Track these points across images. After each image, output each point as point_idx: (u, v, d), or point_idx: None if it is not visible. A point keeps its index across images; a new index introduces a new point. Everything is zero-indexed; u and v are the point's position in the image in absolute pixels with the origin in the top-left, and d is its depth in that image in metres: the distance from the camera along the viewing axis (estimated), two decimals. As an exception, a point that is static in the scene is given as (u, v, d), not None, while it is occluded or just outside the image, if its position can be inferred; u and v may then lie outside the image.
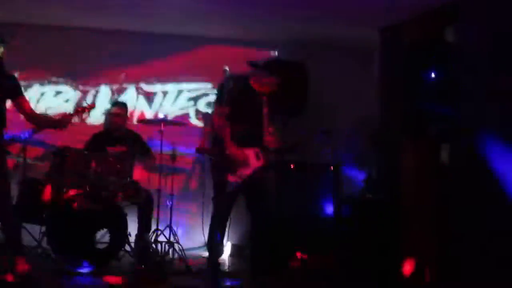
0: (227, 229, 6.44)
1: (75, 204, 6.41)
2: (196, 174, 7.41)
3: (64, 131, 5.99)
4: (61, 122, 5.90)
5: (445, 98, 5.99)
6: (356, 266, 6.20)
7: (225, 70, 6.66)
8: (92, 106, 6.32)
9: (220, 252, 6.19)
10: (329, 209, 6.57)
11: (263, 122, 5.96)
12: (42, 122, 5.93)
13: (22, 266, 5.63)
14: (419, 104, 6.18)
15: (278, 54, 8.48)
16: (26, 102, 5.82)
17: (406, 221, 6.28)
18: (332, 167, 6.83)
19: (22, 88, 5.90)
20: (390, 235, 6.23)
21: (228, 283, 6.10)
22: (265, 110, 5.98)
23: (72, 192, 6.59)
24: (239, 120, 5.88)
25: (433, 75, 6.13)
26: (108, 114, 7.65)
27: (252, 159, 5.90)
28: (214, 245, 6.04)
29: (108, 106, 8.00)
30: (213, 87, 8.43)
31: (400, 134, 6.51)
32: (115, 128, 7.40)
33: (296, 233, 6.39)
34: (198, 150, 6.59)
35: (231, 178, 5.83)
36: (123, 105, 7.55)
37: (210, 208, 6.29)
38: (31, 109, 5.87)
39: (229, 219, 6.17)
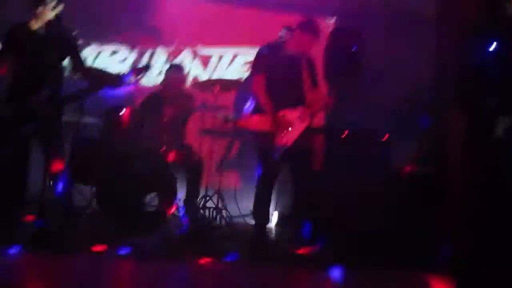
0: (274, 198, 6.42)
1: (126, 165, 6.43)
2: (245, 140, 7.33)
3: (119, 89, 6.00)
4: (113, 79, 5.92)
5: (505, 70, 5.82)
6: (403, 241, 6.13)
7: (281, 36, 6.62)
8: (147, 67, 6.33)
9: (266, 220, 6.13)
10: (379, 180, 6.46)
11: (303, 85, 5.91)
12: (98, 78, 5.93)
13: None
14: (476, 74, 6.02)
15: (335, 21, 8.37)
16: (82, 60, 5.87)
17: (455, 196, 6.16)
18: (384, 138, 6.71)
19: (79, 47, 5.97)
20: (437, 210, 6.13)
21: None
22: (304, 73, 5.92)
23: (124, 153, 6.62)
24: (277, 86, 5.84)
25: (493, 45, 5.96)
26: (167, 76, 7.63)
27: (296, 120, 5.85)
28: (260, 213, 6.03)
29: (164, 68, 7.99)
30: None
31: (454, 105, 6.36)
32: (171, 91, 7.42)
33: (342, 206, 6.32)
34: (236, 124, 6.53)
35: (276, 145, 5.81)
36: (182, 68, 7.54)
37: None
38: (88, 67, 5.93)
39: (275, 188, 6.15)
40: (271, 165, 5.92)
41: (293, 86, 5.95)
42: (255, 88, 6.04)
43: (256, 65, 6.14)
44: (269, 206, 6.10)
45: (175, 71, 7.41)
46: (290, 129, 5.85)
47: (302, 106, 5.94)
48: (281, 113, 5.88)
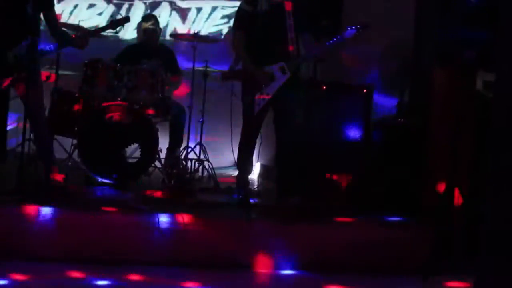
0: (257, 149, 6.43)
1: (107, 116, 6.39)
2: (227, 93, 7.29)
3: (84, 49, 5.96)
4: (80, 41, 5.88)
5: (484, 23, 5.84)
6: (384, 190, 6.19)
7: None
8: (126, 20, 6.28)
9: (249, 170, 6.15)
10: (360, 132, 6.50)
11: (286, 38, 5.88)
12: (63, 40, 5.89)
13: (58, 175, 5.77)
14: (455, 28, 6.04)
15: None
16: (54, 16, 5.82)
17: (436, 147, 6.22)
18: (365, 90, 6.73)
19: (55, 0, 5.90)
20: (419, 160, 6.19)
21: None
22: (287, 25, 5.89)
23: (103, 104, 6.58)
24: (259, 39, 5.81)
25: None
26: (140, 27, 7.58)
27: (277, 74, 5.84)
28: (243, 163, 6.04)
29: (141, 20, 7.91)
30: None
31: (434, 58, 6.39)
32: (148, 42, 7.38)
33: (324, 155, 6.35)
34: (223, 76, 6.47)
35: (259, 97, 5.80)
36: (155, 19, 7.49)
37: (240, 128, 6.25)
38: (57, 25, 5.89)
39: (259, 139, 6.16)
40: (252, 117, 5.91)
41: (274, 40, 5.90)
42: (236, 44, 6.00)
43: (237, 20, 6.08)
44: (252, 157, 6.10)
45: (151, 22, 7.37)
46: (271, 82, 5.82)
47: (284, 58, 5.89)
48: (262, 67, 5.84)
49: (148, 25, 7.38)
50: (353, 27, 5.96)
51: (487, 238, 3.51)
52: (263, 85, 5.78)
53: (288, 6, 5.90)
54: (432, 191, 6.02)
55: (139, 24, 7.70)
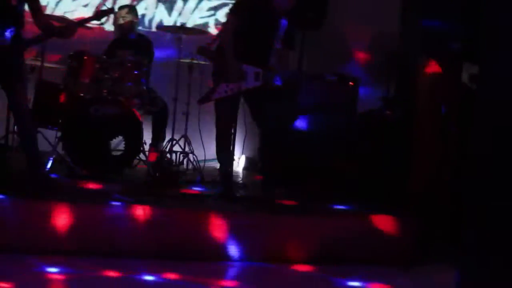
0: (242, 142, 6.42)
1: (91, 109, 6.36)
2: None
3: (70, 39, 5.90)
4: (65, 31, 5.82)
5: (470, 16, 5.85)
6: (370, 182, 6.21)
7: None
8: (110, 11, 6.23)
9: (229, 162, 6.03)
10: (346, 124, 6.50)
11: (273, 47, 5.83)
12: (49, 30, 5.82)
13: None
14: (441, 20, 6.05)
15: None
16: (39, 6, 5.76)
17: (422, 138, 6.23)
18: (351, 83, 6.73)
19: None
20: (405, 152, 6.20)
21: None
22: (280, 34, 5.83)
23: (88, 97, 6.54)
24: (248, 36, 5.77)
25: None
26: (115, 17, 7.50)
27: (250, 77, 5.79)
28: (220, 155, 6.00)
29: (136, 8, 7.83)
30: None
31: (420, 51, 6.39)
32: (123, 33, 7.33)
33: (308, 146, 6.35)
34: (199, 50, 6.39)
35: (221, 87, 5.76)
36: (129, 8, 7.43)
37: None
38: (42, 16, 5.82)
39: (243, 132, 6.13)
40: (221, 109, 5.88)
41: (262, 44, 5.85)
42: (226, 27, 5.95)
43: (237, 5, 6.02)
44: (229, 149, 6.04)
45: (125, 11, 7.32)
46: (240, 81, 5.76)
47: (262, 65, 5.83)
48: (239, 62, 5.78)
49: (122, 14, 7.33)
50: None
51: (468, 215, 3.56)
52: (230, 80, 5.73)
53: (285, 22, 5.86)
54: (418, 183, 6.04)
55: (115, 15, 7.58)
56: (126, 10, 7.39)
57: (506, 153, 3.44)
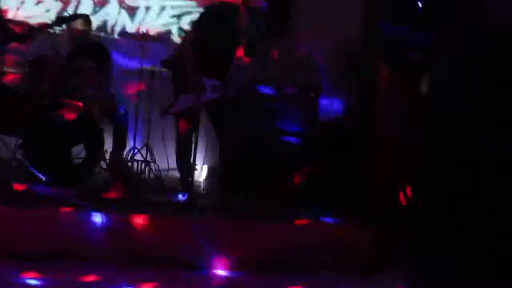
0: (203, 152, 6.42)
1: (51, 115, 6.30)
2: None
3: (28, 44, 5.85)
4: (23, 36, 5.78)
5: (431, 27, 5.90)
6: (329, 190, 6.23)
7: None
8: (72, 17, 6.20)
9: (189, 172, 6.05)
10: (305, 133, 6.52)
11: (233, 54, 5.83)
12: (8, 35, 5.77)
13: None
14: (403, 30, 6.10)
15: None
16: None
17: (382, 147, 6.27)
18: (312, 93, 6.76)
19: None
20: (364, 160, 6.24)
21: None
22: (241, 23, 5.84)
23: (48, 103, 6.48)
24: (206, 48, 5.76)
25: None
26: (70, 28, 7.42)
27: (208, 90, 5.80)
28: (180, 166, 5.99)
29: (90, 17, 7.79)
30: (198, 5, 8.29)
31: (381, 60, 6.44)
32: (78, 42, 7.26)
33: (267, 156, 6.36)
34: (163, 64, 6.37)
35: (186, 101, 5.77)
36: (84, 19, 7.36)
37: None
38: (2, 20, 5.77)
39: (204, 142, 6.15)
40: (184, 120, 5.88)
41: (221, 57, 5.85)
42: (187, 40, 5.97)
43: (200, 20, 6.04)
44: (189, 159, 6.01)
45: (79, 21, 7.26)
46: (199, 93, 5.76)
47: (221, 77, 5.83)
48: (198, 75, 5.77)
49: (77, 25, 7.27)
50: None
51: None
52: (189, 92, 5.74)
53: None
54: (377, 190, 6.08)
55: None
56: (81, 20, 7.29)
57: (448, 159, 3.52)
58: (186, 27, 8.34)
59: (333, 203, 6.08)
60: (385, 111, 6.30)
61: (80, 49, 7.19)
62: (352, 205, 6.02)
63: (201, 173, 7.51)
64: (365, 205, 6.05)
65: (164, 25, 8.51)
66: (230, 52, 5.86)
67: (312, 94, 6.71)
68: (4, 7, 7.30)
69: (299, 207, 6.00)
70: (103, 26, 8.07)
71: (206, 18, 5.97)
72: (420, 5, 6.08)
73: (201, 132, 6.11)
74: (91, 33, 7.51)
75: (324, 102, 6.93)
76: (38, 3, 8.22)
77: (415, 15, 6.08)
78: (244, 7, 5.87)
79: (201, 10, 6.20)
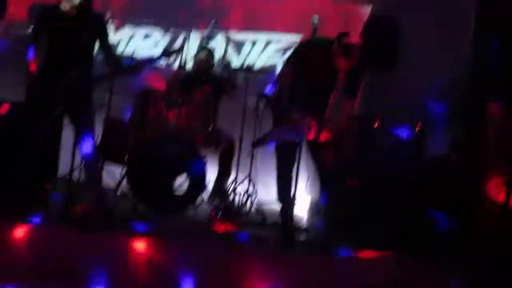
0: (306, 183, 6.36)
1: (156, 147, 6.39)
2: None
3: (142, 75, 5.98)
4: (134, 68, 5.89)
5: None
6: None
7: (314, 23, 6.52)
8: (178, 51, 6.31)
9: (289, 205, 5.87)
10: (411, 170, 6.37)
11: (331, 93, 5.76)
12: (118, 67, 5.89)
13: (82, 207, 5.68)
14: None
15: (372, 9, 8.25)
16: (108, 43, 5.85)
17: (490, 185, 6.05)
18: (417, 128, 6.61)
19: (110, 30, 5.94)
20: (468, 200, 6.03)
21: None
22: (339, 85, 5.76)
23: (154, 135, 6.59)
24: (303, 85, 5.73)
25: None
26: (195, 58, 7.59)
27: (301, 128, 5.71)
28: (282, 197, 5.93)
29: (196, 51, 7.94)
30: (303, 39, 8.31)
31: (490, 92, 6.23)
32: (200, 73, 7.38)
33: (372, 193, 6.23)
34: (261, 98, 6.38)
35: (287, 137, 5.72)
36: (210, 51, 7.51)
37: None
38: (112, 52, 5.91)
39: (309, 173, 6.09)
40: (282, 152, 5.85)
41: (318, 94, 5.80)
42: (283, 75, 5.95)
43: (290, 58, 6.04)
44: (289, 191, 5.86)
45: (204, 54, 7.39)
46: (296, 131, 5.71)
47: (318, 116, 5.78)
48: (292, 114, 5.73)
49: (200, 56, 7.41)
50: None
51: None
52: (285, 127, 5.71)
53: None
54: (482, 232, 5.87)
55: (195, 55, 7.66)
56: (205, 53, 7.44)
57: None
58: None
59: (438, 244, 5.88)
60: (494, 150, 6.09)
61: (199, 80, 7.27)
62: (458, 246, 5.82)
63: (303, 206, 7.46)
64: (471, 246, 5.84)
65: (269, 59, 8.56)
66: (329, 88, 5.79)
67: (417, 130, 6.55)
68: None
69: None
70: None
71: (304, 53, 5.93)
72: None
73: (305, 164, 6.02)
74: (214, 66, 7.62)
75: (431, 137, 6.77)
76: (146, 37, 8.43)
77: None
78: (338, 42, 5.80)
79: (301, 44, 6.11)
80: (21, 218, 5.09)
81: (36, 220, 5.17)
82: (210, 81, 7.29)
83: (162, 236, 5.34)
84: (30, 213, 5.19)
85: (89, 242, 5.02)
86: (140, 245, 5.12)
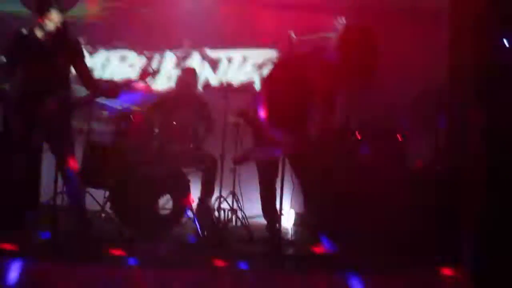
0: (291, 197, 6.35)
1: (139, 170, 6.37)
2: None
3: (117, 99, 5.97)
4: (112, 91, 5.87)
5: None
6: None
7: (291, 37, 6.55)
8: (156, 72, 6.30)
9: (275, 219, 5.87)
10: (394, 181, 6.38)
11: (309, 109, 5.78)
12: (96, 90, 5.86)
13: None
14: (495, 72, 5.96)
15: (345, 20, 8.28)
16: (86, 68, 5.83)
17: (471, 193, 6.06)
18: (399, 136, 6.63)
19: (86, 53, 5.93)
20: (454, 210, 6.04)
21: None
22: (317, 99, 5.77)
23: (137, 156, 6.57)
24: (282, 100, 5.73)
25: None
26: (178, 79, 7.56)
27: (281, 144, 5.71)
28: (267, 212, 5.93)
29: (173, 72, 7.95)
30: (279, 55, 8.33)
31: (472, 103, 6.25)
32: (183, 94, 7.36)
33: (356, 202, 6.22)
34: (239, 113, 6.38)
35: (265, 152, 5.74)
36: (193, 71, 7.50)
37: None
38: (90, 76, 5.89)
39: (293, 186, 6.08)
40: (264, 166, 5.85)
41: (291, 110, 5.80)
42: (260, 93, 5.97)
43: (268, 74, 6.07)
44: (274, 204, 5.91)
45: (186, 74, 7.39)
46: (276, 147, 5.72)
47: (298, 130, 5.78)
48: (271, 130, 5.74)
49: (184, 76, 7.40)
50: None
51: None
52: (263, 144, 5.71)
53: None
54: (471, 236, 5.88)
55: (178, 76, 7.63)
56: (189, 73, 7.44)
57: None
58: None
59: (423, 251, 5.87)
60: (476, 155, 6.09)
61: (181, 101, 7.24)
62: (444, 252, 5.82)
63: (287, 219, 7.44)
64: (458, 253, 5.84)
65: (247, 75, 8.56)
66: (306, 104, 5.78)
67: (400, 137, 6.56)
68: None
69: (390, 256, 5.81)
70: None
71: (278, 70, 5.95)
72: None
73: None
74: (197, 86, 7.63)
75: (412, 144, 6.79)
76: (122, 59, 8.42)
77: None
78: (314, 57, 5.81)
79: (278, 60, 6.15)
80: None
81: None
82: (192, 101, 7.29)
83: (146, 264, 5.28)
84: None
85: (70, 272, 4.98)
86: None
